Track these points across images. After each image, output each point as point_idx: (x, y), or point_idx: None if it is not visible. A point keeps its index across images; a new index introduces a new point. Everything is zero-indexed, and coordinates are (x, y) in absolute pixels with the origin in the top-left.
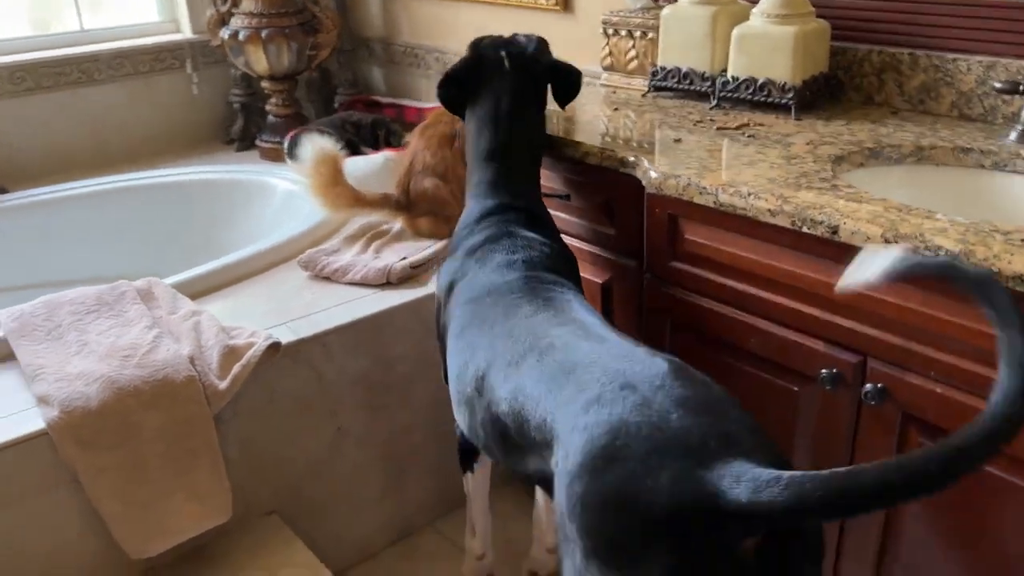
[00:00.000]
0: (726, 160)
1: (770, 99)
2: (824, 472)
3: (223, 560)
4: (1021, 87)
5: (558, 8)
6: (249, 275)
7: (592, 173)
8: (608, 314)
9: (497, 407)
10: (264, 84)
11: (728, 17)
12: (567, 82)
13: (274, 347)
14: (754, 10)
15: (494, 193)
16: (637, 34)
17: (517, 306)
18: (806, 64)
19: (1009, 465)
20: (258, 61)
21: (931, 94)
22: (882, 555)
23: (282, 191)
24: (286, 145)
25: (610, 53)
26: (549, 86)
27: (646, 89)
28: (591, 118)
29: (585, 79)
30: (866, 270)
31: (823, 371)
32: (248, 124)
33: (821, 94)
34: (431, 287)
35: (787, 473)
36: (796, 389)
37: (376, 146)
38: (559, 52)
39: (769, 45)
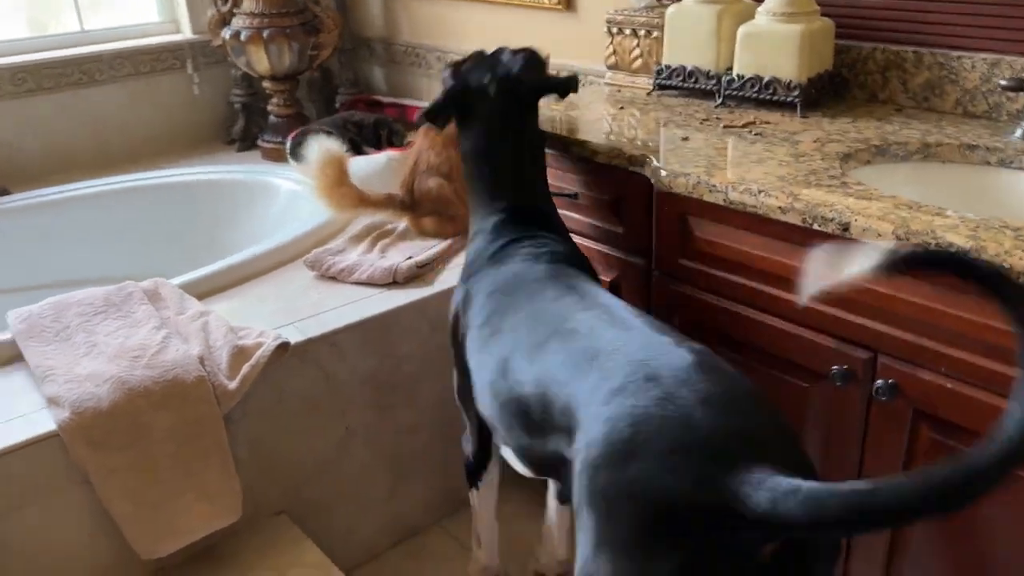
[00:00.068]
0: (734, 158)
1: (775, 97)
2: (844, 487)
3: (233, 560)
4: None
5: (560, 7)
6: (255, 275)
7: (600, 172)
8: None
9: (521, 388)
10: (265, 84)
11: (733, 16)
12: (560, 93)
13: (283, 347)
14: (759, 9)
15: (506, 229)
16: (642, 33)
17: (541, 290)
18: (811, 62)
19: None
20: (259, 61)
21: (935, 91)
22: (892, 554)
23: (285, 191)
24: (288, 145)
25: (614, 52)
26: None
27: (651, 88)
28: (597, 117)
29: (589, 77)
30: (859, 262)
31: (834, 368)
32: (249, 124)
33: (826, 92)
34: (437, 286)
35: (807, 485)
36: (807, 386)
37: (378, 146)
38: (561, 51)
39: (775, 43)
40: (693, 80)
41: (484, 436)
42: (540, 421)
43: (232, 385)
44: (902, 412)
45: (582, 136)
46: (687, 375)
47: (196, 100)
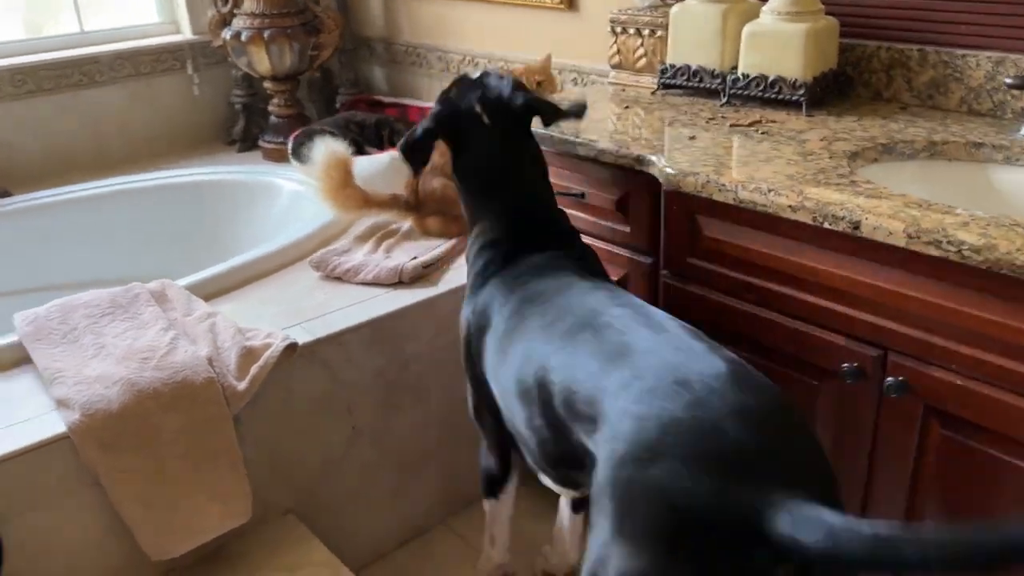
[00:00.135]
0: (742, 157)
1: (781, 96)
2: (867, 529)
3: (242, 560)
4: None
5: (563, 7)
6: (260, 276)
7: (606, 171)
8: None
9: (547, 373)
10: (266, 84)
11: (738, 15)
12: (546, 117)
13: (291, 348)
14: (764, 8)
15: (518, 241)
16: (646, 32)
17: (569, 284)
18: (816, 61)
19: None
20: (260, 62)
21: (940, 90)
22: None
23: (288, 192)
24: (290, 145)
25: (618, 51)
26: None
27: (655, 87)
28: (602, 116)
29: (592, 77)
30: None
31: (844, 365)
32: (249, 125)
33: (830, 90)
34: (443, 286)
35: (830, 519)
36: (816, 383)
37: (380, 146)
38: (564, 50)
39: (780, 42)
40: (698, 79)
41: (504, 449)
42: (561, 408)
43: (241, 386)
44: (912, 409)
45: (589, 136)
46: (720, 384)
47: (196, 101)
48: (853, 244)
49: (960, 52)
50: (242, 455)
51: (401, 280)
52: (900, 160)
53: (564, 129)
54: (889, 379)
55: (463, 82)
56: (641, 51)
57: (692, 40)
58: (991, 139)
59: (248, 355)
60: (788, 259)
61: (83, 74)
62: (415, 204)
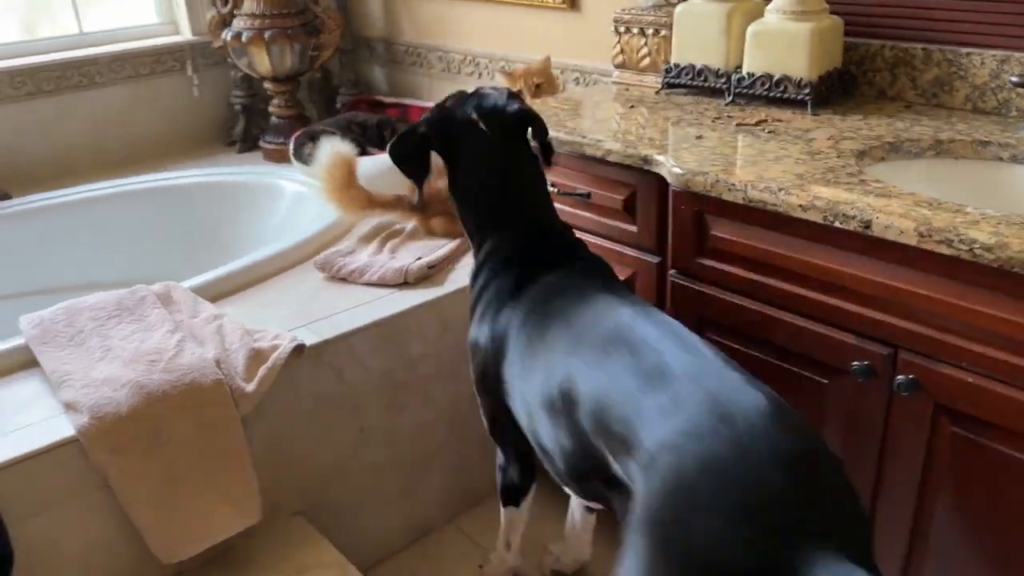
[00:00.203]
0: (751, 156)
1: (786, 95)
2: None
3: (251, 562)
4: None
5: (564, 6)
6: (265, 277)
7: (613, 171)
8: None
9: (574, 386)
10: (267, 85)
11: (743, 14)
12: (540, 133)
13: (299, 349)
14: (769, 7)
15: (512, 240)
16: (650, 32)
17: (593, 299)
18: (822, 60)
19: None
20: (261, 62)
21: (944, 88)
22: (912, 542)
23: (290, 193)
24: (291, 146)
25: (622, 51)
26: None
27: (659, 86)
28: (607, 116)
29: (594, 76)
30: None
31: (854, 363)
32: (250, 125)
33: (835, 89)
34: (448, 286)
35: None
36: (826, 382)
37: (382, 146)
38: (565, 50)
39: (785, 42)
40: (702, 78)
41: (526, 460)
42: (592, 424)
43: (249, 388)
44: (923, 407)
45: (595, 136)
46: (761, 422)
47: (196, 102)
48: (863, 242)
49: (964, 50)
50: (251, 457)
51: (406, 281)
52: (907, 159)
53: (571, 129)
54: (899, 377)
55: (458, 95)
56: (645, 50)
57: (696, 39)
58: (997, 137)
59: (256, 357)
60: (797, 258)
61: (83, 75)
62: (419, 205)
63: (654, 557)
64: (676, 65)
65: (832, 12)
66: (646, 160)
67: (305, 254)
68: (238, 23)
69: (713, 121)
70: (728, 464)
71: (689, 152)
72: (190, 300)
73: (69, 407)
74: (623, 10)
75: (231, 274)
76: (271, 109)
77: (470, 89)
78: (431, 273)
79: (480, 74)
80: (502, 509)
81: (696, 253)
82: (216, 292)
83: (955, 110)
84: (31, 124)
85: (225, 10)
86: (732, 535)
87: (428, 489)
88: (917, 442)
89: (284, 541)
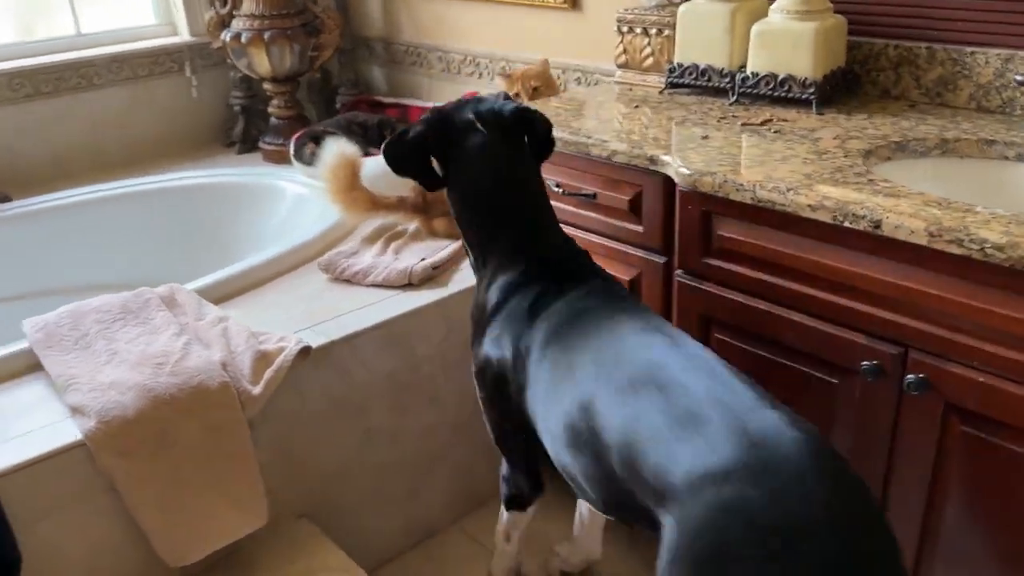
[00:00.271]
0: (758, 156)
1: (791, 94)
2: None
3: (257, 565)
4: None
5: (566, 6)
6: (269, 279)
7: (618, 171)
8: None
9: (605, 433)
10: (266, 86)
11: (746, 14)
12: (539, 131)
13: (305, 351)
14: (773, 7)
15: (524, 255)
16: (653, 31)
17: (618, 323)
18: (826, 59)
19: None
20: (261, 63)
21: (948, 87)
22: (923, 540)
23: (291, 194)
24: (292, 147)
25: (624, 51)
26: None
27: (663, 86)
28: (610, 116)
29: (596, 76)
30: None
31: (864, 363)
32: (249, 126)
33: (839, 88)
34: (453, 287)
35: None
36: (836, 382)
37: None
38: (566, 50)
39: (790, 41)
40: (706, 78)
41: (535, 469)
42: (624, 471)
43: (256, 390)
44: (933, 406)
45: (600, 136)
46: (802, 472)
47: (195, 103)
48: (872, 242)
49: (968, 49)
50: (257, 459)
51: (411, 282)
52: (913, 158)
53: (576, 129)
54: (909, 376)
55: (455, 102)
56: (648, 50)
57: (700, 39)
58: (1002, 136)
59: (262, 359)
60: (806, 257)
61: (81, 77)
62: (423, 206)
63: None
64: (679, 65)
65: (836, 11)
66: (653, 160)
67: (308, 255)
68: (237, 24)
69: (718, 121)
70: (768, 517)
71: (696, 152)
72: (194, 302)
73: (76, 411)
74: (626, 10)
75: (234, 276)
76: (270, 110)
77: (470, 89)
78: (435, 274)
79: (480, 74)
80: (505, 513)
81: (703, 253)
82: (220, 294)
83: (959, 109)
84: (30, 126)
85: (224, 11)
86: None
87: (433, 491)
88: (927, 442)
89: (290, 544)
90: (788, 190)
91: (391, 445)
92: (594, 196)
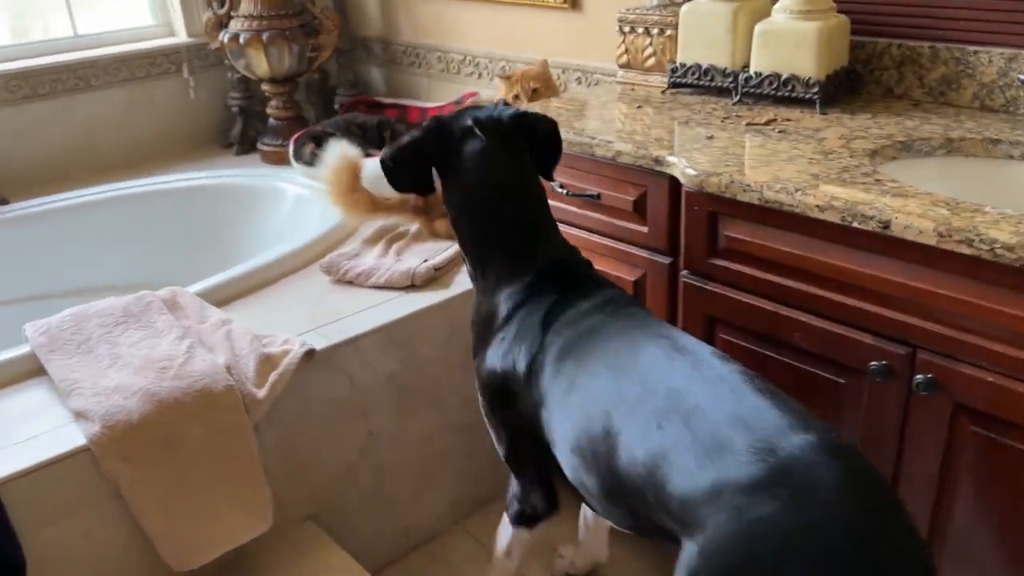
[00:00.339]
0: (763, 156)
1: (794, 94)
2: None
3: (262, 568)
4: None
5: (566, 6)
6: (270, 281)
7: (622, 172)
8: None
9: (630, 466)
10: (264, 87)
11: (748, 13)
12: (541, 133)
13: (309, 354)
14: (776, 6)
15: (527, 265)
16: (655, 31)
17: (632, 339)
18: (830, 59)
19: None
20: (259, 64)
21: (952, 86)
22: (931, 539)
23: (292, 195)
24: (291, 148)
25: (626, 51)
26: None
27: (665, 86)
28: (613, 117)
29: (596, 76)
30: None
31: (872, 364)
32: (247, 127)
33: (842, 88)
34: (455, 288)
35: None
36: (844, 382)
37: (382, 147)
38: (567, 50)
39: (793, 41)
40: (709, 78)
41: (550, 485)
42: (644, 498)
43: (261, 394)
44: (942, 406)
45: (604, 136)
46: (825, 487)
47: (192, 104)
48: (880, 242)
49: (972, 48)
50: (262, 463)
51: (413, 283)
52: (918, 157)
53: (580, 129)
54: (918, 377)
55: (454, 112)
56: (650, 50)
57: (703, 39)
58: (1007, 135)
59: (266, 362)
60: (814, 258)
61: (78, 78)
62: (424, 207)
63: None
64: (682, 64)
65: (839, 11)
66: (658, 161)
67: (310, 257)
68: (235, 24)
69: (722, 121)
70: (793, 537)
71: (701, 153)
72: (197, 305)
73: (80, 416)
74: (628, 10)
75: (236, 278)
76: (269, 111)
77: (469, 89)
78: (437, 275)
79: (479, 74)
80: (510, 528)
81: (709, 254)
82: (221, 296)
83: (963, 108)
84: (28, 128)
85: (222, 11)
86: None
87: (436, 492)
88: (936, 442)
89: (295, 546)
90: (796, 191)
91: (395, 447)
92: (598, 197)
